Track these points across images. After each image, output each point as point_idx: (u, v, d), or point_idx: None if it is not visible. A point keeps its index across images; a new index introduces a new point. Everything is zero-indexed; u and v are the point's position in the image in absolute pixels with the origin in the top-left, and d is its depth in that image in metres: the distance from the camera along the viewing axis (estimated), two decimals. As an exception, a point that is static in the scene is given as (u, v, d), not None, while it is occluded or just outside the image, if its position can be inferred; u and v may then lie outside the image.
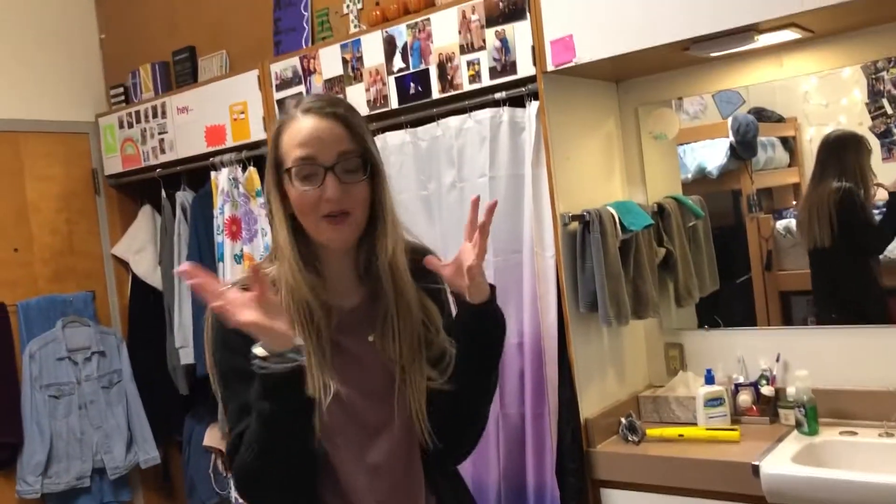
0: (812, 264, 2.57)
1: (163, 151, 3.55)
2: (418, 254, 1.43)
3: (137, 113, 3.65)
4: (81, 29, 3.99)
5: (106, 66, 4.04)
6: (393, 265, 1.35)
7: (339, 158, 1.30)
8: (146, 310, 3.74)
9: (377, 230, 1.35)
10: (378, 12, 2.84)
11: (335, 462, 1.37)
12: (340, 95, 2.80)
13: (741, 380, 2.53)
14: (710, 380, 2.50)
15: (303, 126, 1.31)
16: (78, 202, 3.86)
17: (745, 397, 2.47)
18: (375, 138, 2.71)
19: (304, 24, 3.17)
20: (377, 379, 1.39)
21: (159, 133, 3.55)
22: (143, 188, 3.84)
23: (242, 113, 3.19)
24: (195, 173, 3.51)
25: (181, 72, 3.63)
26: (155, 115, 3.56)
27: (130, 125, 3.70)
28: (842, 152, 2.50)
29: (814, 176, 2.55)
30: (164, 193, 3.63)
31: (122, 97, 3.85)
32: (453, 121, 2.62)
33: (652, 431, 2.45)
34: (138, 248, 3.84)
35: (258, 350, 1.18)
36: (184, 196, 3.52)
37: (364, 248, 1.38)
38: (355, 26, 3.02)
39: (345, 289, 1.40)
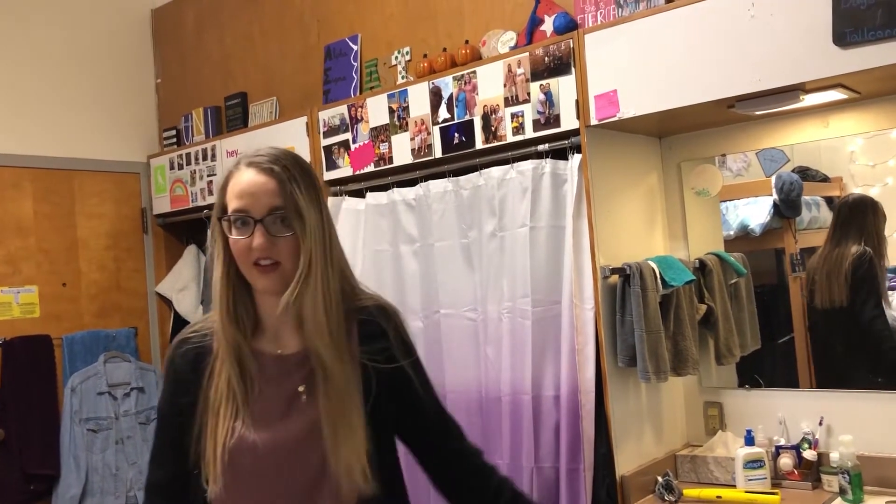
0: (831, 325, 2.56)
1: (210, 193, 3.63)
2: (370, 316, 1.45)
3: (188, 155, 3.76)
4: (139, 73, 4.14)
5: (160, 109, 4.18)
6: (314, 321, 1.36)
7: (269, 212, 1.36)
8: (186, 348, 3.80)
9: (304, 284, 1.37)
10: (425, 64, 2.90)
11: None
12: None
13: (782, 442, 2.47)
14: (749, 441, 2.45)
15: (242, 178, 1.38)
16: (126, 240, 3.96)
17: (786, 460, 2.41)
18: (418, 186, 2.81)
19: (354, 74, 3.26)
20: (299, 432, 1.38)
21: (208, 175, 3.64)
22: (189, 228, 3.93)
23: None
24: (241, 215, 3.57)
25: (232, 116, 3.73)
26: (205, 158, 3.66)
27: (181, 167, 3.80)
28: (861, 216, 2.49)
29: (831, 238, 2.54)
30: (209, 234, 3.69)
31: (174, 139, 3.97)
32: (496, 171, 2.65)
33: (689, 492, 2.40)
34: (182, 286, 3.91)
35: None
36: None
37: (298, 298, 1.38)
38: (403, 77, 3.09)
39: (284, 336, 1.43)
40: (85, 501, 3.49)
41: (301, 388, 1.39)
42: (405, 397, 1.46)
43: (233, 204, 1.38)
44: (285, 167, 1.39)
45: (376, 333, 1.44)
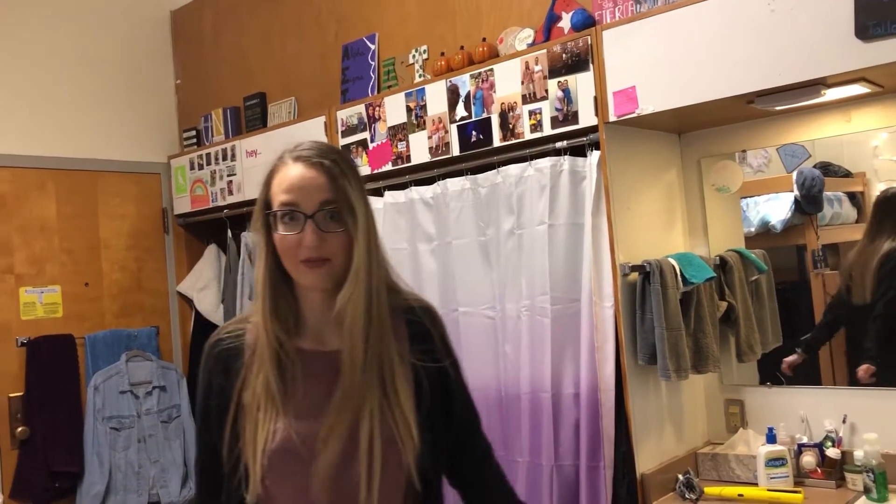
0: (864, 322, 2.51)
1: (230, 193, 3.66)
2: (417, 317, 1.43)
3: (208, 155, 3.78)
4: (158, 74, 4.17)
5: (180, 110, 4.21)
6: (353, 317, 1.32)
7: (320, 207, 1.32)
8: (207, 347, 3.83)
9: (354, 281, 1.33)
10: (443, 62, 2.90)
11: None
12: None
13: (805, 440, 2.45)
14: (771, 439, 2.43)
15: (290, 173, 1.34)
16: (147, 240, 3.99)
17: (808, 459, 2.39)
18: (435, 184, 2.81)
19: (371, 73, 3.26)
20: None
21: (228, 175, 3.67)
22: (209, 228, 3.96)
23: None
24: (260, 215, 3.59)
25: (251, 116, 3.75)
26: (224, 158, 3.68)
27: (201, 167, 3.83)
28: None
29: (868, 233, 2.50)
30: (229, 234, 3.73)
31: (194, 140, 4.00)
32: (514, 168, 2.65)
33: (710, 490, 2.39)
34: (202, 286, 3.94)
35: None
36: (248, 237, 3.61)
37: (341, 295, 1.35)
38: (420, 76, 3.09)
39: (325, 333, 1.39)
40: (108, 499, 3.52)
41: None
42: (443, 398, 1.42)
43: (280, 199, 1.33)
44: (335, 161, 1.35)
45: (423, 334, 1.42)
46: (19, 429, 3.47)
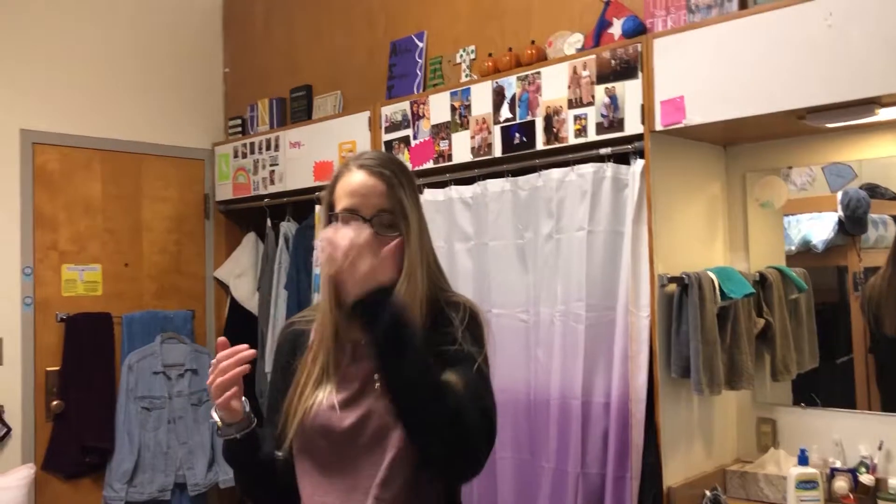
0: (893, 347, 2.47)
1: (272, 182, 3.69)
2: (452, 310, 1.50)
3: (252, 144, 3.82)
4: (207, 63, 4.23)
5: (227, 99, 4.26)
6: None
7: (377, 213, 1.45)
8: (241, 333, 3.86)
9: (406, 282, 1.45)
10: (490, 63, 2.90)
11: (300, 485, 1.49)
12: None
13: (838, 464, 2.41)
14: (803, 460, 2.39)
15: (353, 179, 1.47)
16: (188, 225, 4.05)
17: (841, 483, 2.35)
18: (475, 184, 2.81)
19: (418, 71, 3.27)
20: (365, 417, 1.45)
21: (270, 165, 3.70)
22: (249, 216, 4.01)
23: (351, 151, 3.30)
24: (300, 206, 3.64)
25: (297, 108, 3.78)
26: (268, 148, 3.72)
27: (244, 155, 3.87)
28: None
29: (891, 259, 2.47)
30: (269, 222, 3.77)
31: (240, 128, 4.04)
32: (555, 172, 2.64)
33: (738, 508, 2.36)
34: (239, 272, 3.99)
35: (215, 415, 1.48)
36: (287, 227, 3.65)
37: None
38: (466, 75, 3.09)
39: None
40: (137, 477, 3.59)
41: (376, 377, 1.43)
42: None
43: (342, 202, 1.46)
44: (394, 172, 1.48)
45: (448, 321, 1.48)
46: (54, 402, 3.54)
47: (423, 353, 1.35)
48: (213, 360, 1.45)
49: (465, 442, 1.34)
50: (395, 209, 1.46)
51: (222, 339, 1.48)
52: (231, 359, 1.44)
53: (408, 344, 1.34)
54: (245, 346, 1.47)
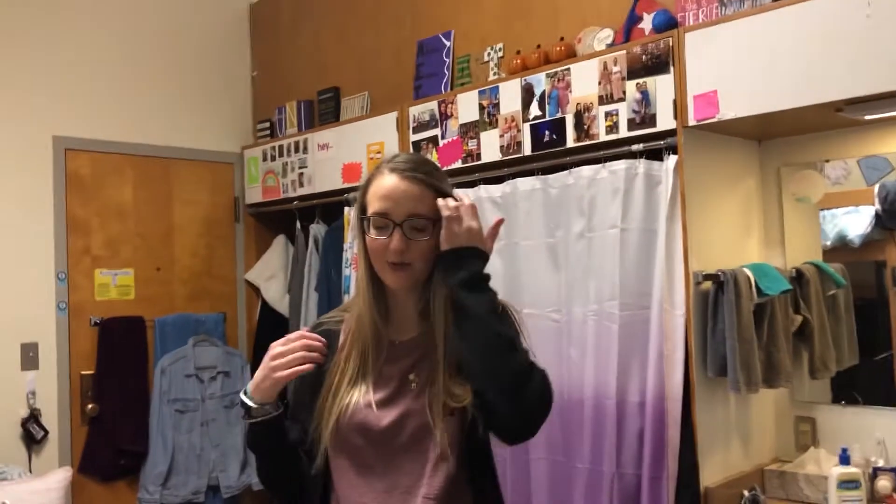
0: None
1: (301, 185, 3.70)
2: None
3: (280, 147, 3.84)
4: (236, 66, 4.26)
5: (255, 102, 4.28)
6: (437, 311, 1.46)
7: (408, 217, 1.45)
8: (272, 335, 3.85)
9: (437, 285, 1.46)
10: (518, 61, 2.88)
11: (337, 486, 1.49)
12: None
13: (881, 463, 2.35)
14: (844, 460, 2.34)
15: (385, 183, 1.47)
16: (218, 228, 4.08)
17: (884, 483, 2.30)
18: (505, 183, 2.79)
19: (445, 71, 3.26)
20: (404, 416, 1.46)
21: (299, 167, 3.71)
22: (279, 218, 4.02)
23: (379, 153, 3.30)
24: (330, 208, 3.64)
25: (324, 110, 3.79)
26: (297, 150, 3.73)
27: (273, 158, 3.88)
28: None
29: None
30: (298, 225, 3.78)
31: (268, 131, 4.06)
32: (586, 170, 2.61)
33: (777, 509, 2.32)
34: (270, 275, 4.00)
35: (245, 398, 1.45)
36: (317, 229, 3.65)
37: (426, 291, 1.49)
38: (495, 74, 3.08)
39: (405, 323, 1.53)
40: (171, 479, 3.61)
41: (412, 377, 1.46)
42: None
43: (374, 206, 1.47)
44: (430, 174, 1.50)
45: None
46: (90, 406, 3.58)
47: (500, 311, 1.40)
48: (301, 334, 1.46)
49: (530, 400, 1.36)
50: (427, 214, 1.46)
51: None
52: (316, 350, 1.46)
53: (490, 295, 1.40)
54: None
